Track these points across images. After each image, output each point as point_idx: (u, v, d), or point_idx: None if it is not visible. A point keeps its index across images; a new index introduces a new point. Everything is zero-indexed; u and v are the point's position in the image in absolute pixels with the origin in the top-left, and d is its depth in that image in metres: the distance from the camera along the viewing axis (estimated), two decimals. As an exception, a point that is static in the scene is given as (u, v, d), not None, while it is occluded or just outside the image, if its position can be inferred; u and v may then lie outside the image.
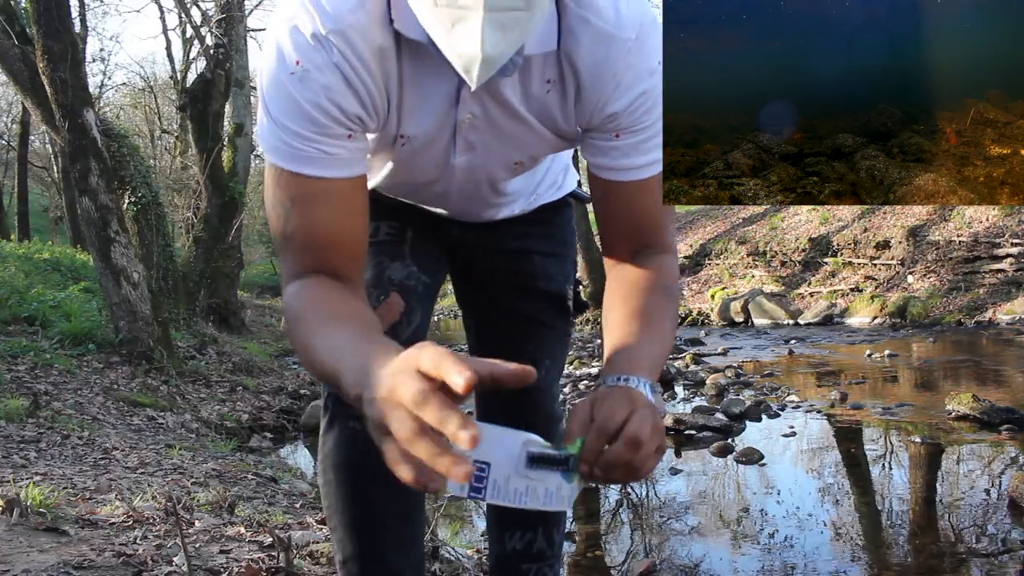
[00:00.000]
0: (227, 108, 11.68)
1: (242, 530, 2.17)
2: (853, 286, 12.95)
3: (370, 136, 1.00)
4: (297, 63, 0.89)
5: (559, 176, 1.35)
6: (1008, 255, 11.51)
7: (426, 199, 1.23)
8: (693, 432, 4.33)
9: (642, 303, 1.00)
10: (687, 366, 7.36)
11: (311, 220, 0.94)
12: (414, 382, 0.63)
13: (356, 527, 1.16)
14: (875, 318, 11.60)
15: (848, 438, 4.31)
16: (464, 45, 0.81)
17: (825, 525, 2.82)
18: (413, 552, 1.22)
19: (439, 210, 1.26)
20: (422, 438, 0.62)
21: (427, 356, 0.64)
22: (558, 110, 1.01)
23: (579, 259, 16.65)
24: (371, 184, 1.20)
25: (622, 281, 1.04)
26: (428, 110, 0.98)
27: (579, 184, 1.45)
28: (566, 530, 2.31)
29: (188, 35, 20.94)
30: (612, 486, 3.59)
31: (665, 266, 1.05)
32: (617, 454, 0.77)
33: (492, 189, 1.17)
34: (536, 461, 0.76)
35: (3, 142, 27.18)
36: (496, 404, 1.39)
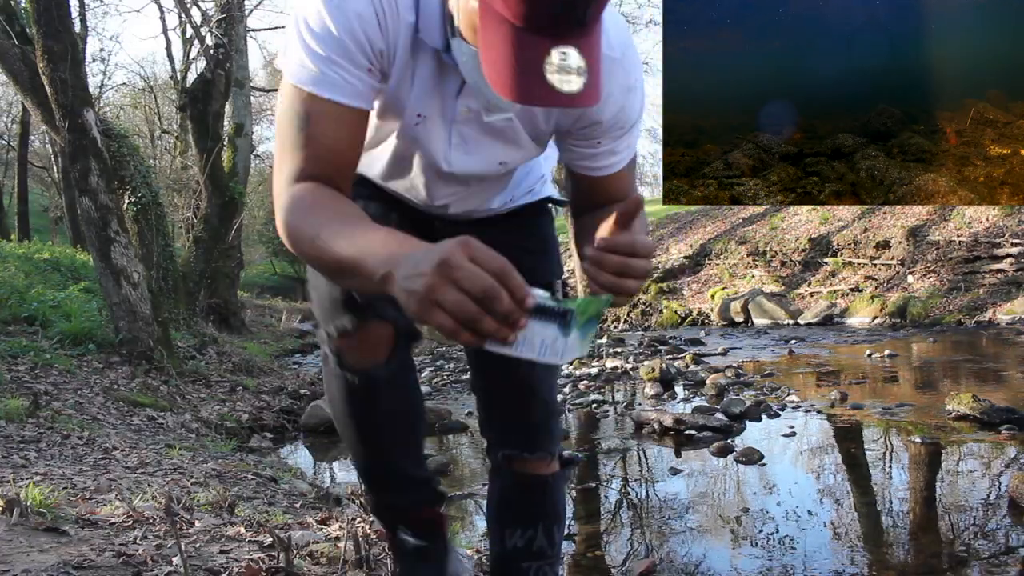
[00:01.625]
0: (227, 108, 11.68)
1: (242, 530, 2.17)
2: (853, 286, 12.95)
3: (379, 92, 1.07)
4: None
5: (535, 184, 1.41)
6: (1008, 255, 11.51)
7: (417, 187, 1.27)
8: (693, 432, 4.33)
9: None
10: (687, 366, 7.36)
11: (321, 133, 1.02)
12: (481, 276, 0.75)
13: (366, 454, 1.39)
14: (875, 318, 11.60)
15: (848, 438, 4.31)
16: (501, 102, 0.98)
17: (825, 525, 2.82)
18: (417, 458, 1.44)
19: (426, 201, 1.30)
20: (474, 312, 0.75)
21: (490, 256, 0.76)
22: (541, 115, 1.11)
23: (577, 260, 16.76)
24: (370, 173, 1.28)
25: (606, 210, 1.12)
26: (435, 95, 1.09)
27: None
28: (566, 531, 2.32)
29: (188, 35, 20.94)
30: (611, 486, 3.59)
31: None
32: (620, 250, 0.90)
33: (479, 183, 1.25)
34: (535, 312, 0.80)
35: (3, 142, 27.17)
36: (494, 386, 1.41)
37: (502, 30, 0.84)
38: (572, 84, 0.84)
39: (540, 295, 0.81)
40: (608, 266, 0.90)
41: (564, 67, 0.84)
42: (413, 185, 1.26)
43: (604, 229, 0.93)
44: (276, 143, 1.07)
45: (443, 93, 1.09)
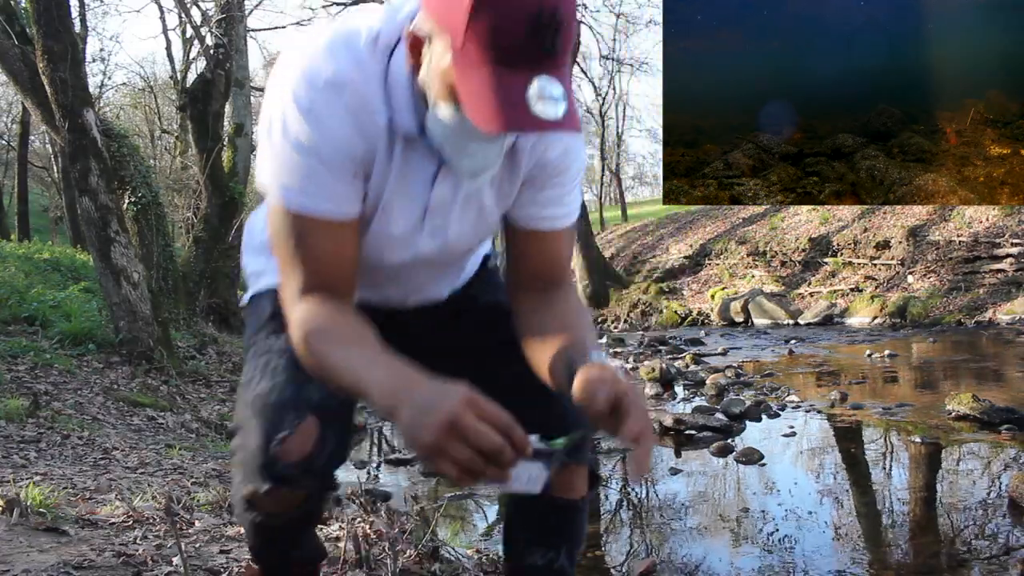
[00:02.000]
0: (227, 108, 11.67)
1: (242, 530, 2.17)
2: (853, 286, 12.96)
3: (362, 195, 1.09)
4: (310, 108, 0.99)
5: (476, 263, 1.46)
6: (1008, 255, 11.51)
7: (381, 284, 1.27)
8: (693, 432, 4.33)
9: (579, 315, 1.19)
10: (687, 366, 7.35)
11: (318, 248, 1.05)
12: (489, 435, 0.83)
13: (260, 547, 1.40)
14: (875, 318, 11.60)
15: (848, 438, 4.31)
16: (489, 158, 1.02)
17: (825, 525, 2.82)
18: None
19: (388, 296, 1.30)
20: (481, 465, 0.84)
21: (495, 414, 0.85)
22: (508, 179, 1.15)
23: (577, 260, 16.51)
24: None
25: (550, 302, 1.19)
26: (408, 188, 1.10)
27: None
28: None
29: (188, 35, 20.94)
30: (611, 486, 3.59)
31: (574, 290, 1.25)
32: (638, 423, 0.95)
33: (441, 269, 1.27)
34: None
35: (3, 142, 27.18)
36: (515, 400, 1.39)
37: (481, 73, 0.88)
38: (555, 110, 0.89)
39: (534, 440, 0.90)
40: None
41: (545, 95, 0.88)
42: (376, 282, 1.25)
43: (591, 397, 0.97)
44: (276, 255, 1.09)
45: (420, 180, 1.10)
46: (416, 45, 0.97)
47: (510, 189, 1.16)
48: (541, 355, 1.13)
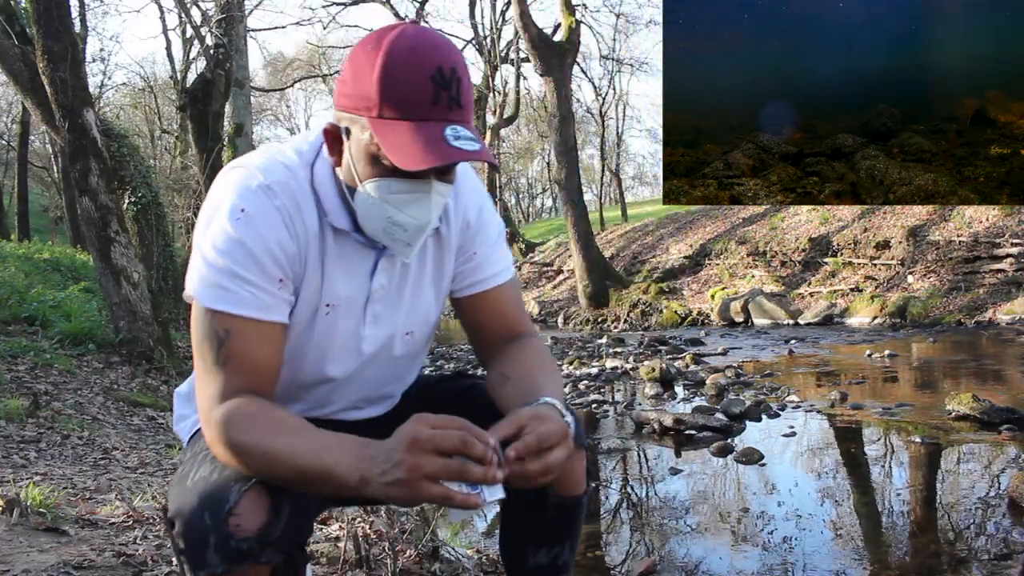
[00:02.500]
0: (227, 108, 11.68)
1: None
2: (853, 286, 12.95)
3: (293, 303, 1.11)
4: (242, 210, 1.04)
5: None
6: (1008, 255, 11.50)
7: (321, 394, 1.26)
8: (693, 432, 4.33)
9: (539, 359, 1.22)
10: (687, 366, 7.35)
11: (243, 350, 1.05)
12: (450, 434, 0.90)
13: None
14: (875, 318, 11.60)
15: (848, 438, 4.31)
16: (420, 217, 1.05)
17: (825, 525, 2.82)
18: None
19: (330, 405, 1.29)
20: (458, 466, 0.89)
21: (447, 418, 0.92)
22: (440, 261, 1.23)
23: (577, 260, 16.47)
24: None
25: (511, 354, 1.24)
26: (349, 281, 1.15)
27: None
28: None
29: (188, 35, 20.94)
30: (611, 486, 3.59)
31: (539, 341, 1.30)
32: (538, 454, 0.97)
33: (389, 362, 1.27)
34: None
35: (3, 142, 27.18)
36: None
37: (399, 130, 0.98)
38: (472, 145, 0.99)
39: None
40: (529, 475, 0.96)
41: (460, 136, 0.99)
42: (324, 396, 1.25)
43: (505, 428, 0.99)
44: (196, 361, 1.07)
45: (357, 275, 1.15)
46: (335, 141, 1.07)
47: (445, 270, 1.24)
48: (499, 400, 1.17)
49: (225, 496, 0.99)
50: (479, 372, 1.44)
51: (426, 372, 1.46)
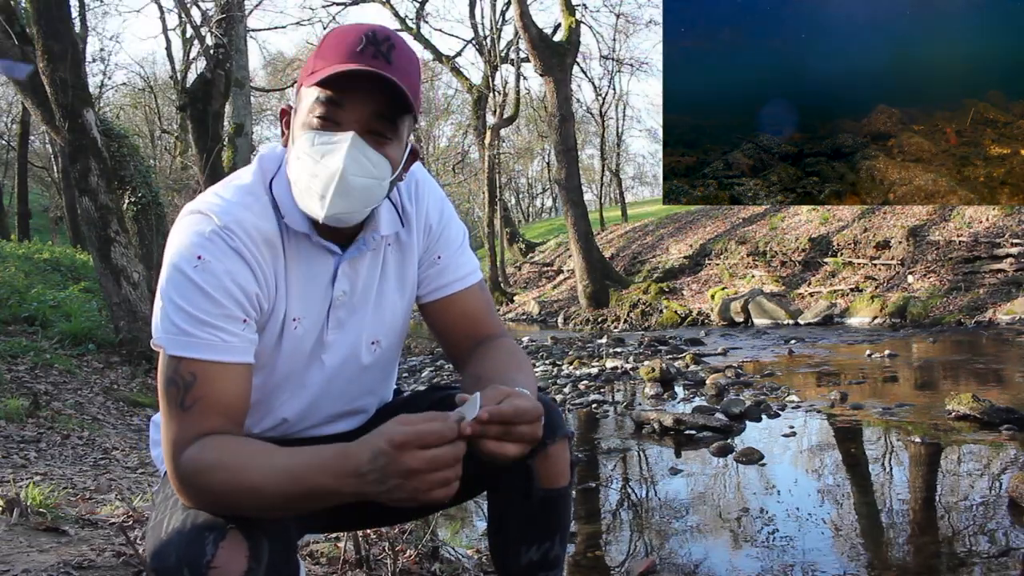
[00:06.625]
0: (227, 108, 11.67)
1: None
2: (853, 286, 12.95)
3: (257, 341, 1.12)
4: (199, 257, 1.06)
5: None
6: (1008, 255, 11.50)
7: (294, 413, 1.26)
8: (693, 432, 4.33)
9: (511, 357, 1.22)
10: (687, 366, 7.35)
11: (209, 392, 1.05)
12: (429, 428, 0.89)
13: None
14: (875, 318, 11.60)
15: (848, 438, 4.31)
16: (331, 164, 1.05)
17: (825, 525, 2.82)
18: None
19: (302, 422, 1.29)
20: (449, 453, 0.90)
21: (421, 415, 0.91)
22: (404, 267, 1.24)
23: (577, 260, 16.44)
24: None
25: (483, 354, 1.24)
26: (311, 290, 1.17)
27: None
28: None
29: (188, 35, 20.94)
30: (611, 486, 3.59)
31: (511, 340, 1.30)
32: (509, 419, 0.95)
33: (358, 372, 1.27)
34: None
35: (3, 142, 27.17)
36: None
37: (325, 72, 1.03)
38: (392, 76, 1.03)
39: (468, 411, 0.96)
40: (489, 433, 0.95)
41: (378, 52, 1.04)
42: (285, 406, 1.24)
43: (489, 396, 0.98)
44: (161, 407, 1.07)
45: (318, 282, 1.17)
46: (286, 122, 1.12)
47: (409, 276, 1.25)
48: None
49: (201, 550, 0.97)
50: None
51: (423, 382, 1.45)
